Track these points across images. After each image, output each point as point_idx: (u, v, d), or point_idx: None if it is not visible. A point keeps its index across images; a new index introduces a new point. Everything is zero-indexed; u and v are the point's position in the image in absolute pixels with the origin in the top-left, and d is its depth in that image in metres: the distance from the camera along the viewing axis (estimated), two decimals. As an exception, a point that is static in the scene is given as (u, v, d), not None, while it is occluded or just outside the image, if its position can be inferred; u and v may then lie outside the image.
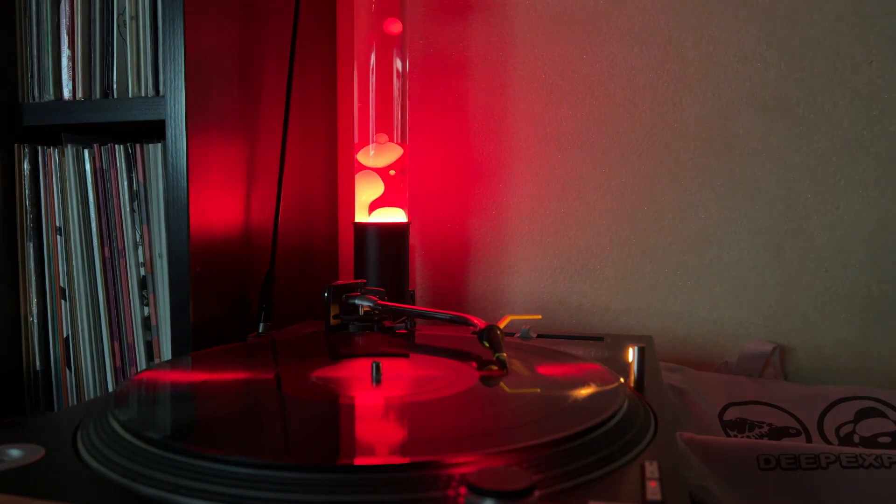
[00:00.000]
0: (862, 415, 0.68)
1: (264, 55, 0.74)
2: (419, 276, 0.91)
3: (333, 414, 0.40)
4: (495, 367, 0.48)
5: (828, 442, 0.66)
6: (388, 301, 0.66)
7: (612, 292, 0.85)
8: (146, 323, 0.66)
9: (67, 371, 0.69)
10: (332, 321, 0.64)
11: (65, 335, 0.69)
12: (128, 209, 0.66)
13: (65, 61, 0.68)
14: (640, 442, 0.36)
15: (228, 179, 0.69)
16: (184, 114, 0.62)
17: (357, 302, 0.65)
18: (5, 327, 0.69)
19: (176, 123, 0.62)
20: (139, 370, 0.66)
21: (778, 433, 0.67)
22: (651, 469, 0.32)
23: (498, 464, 0.30)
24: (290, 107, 0.73)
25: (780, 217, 0.79)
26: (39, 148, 0.69)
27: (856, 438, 0.66)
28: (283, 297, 0.76)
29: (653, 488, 0.29)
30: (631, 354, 0.48)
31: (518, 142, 0.87)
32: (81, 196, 0.67)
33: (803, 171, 0.78)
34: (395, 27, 0.75)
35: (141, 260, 0.66)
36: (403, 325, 0.66)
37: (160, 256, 0.65)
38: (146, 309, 0.66)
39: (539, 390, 0.44)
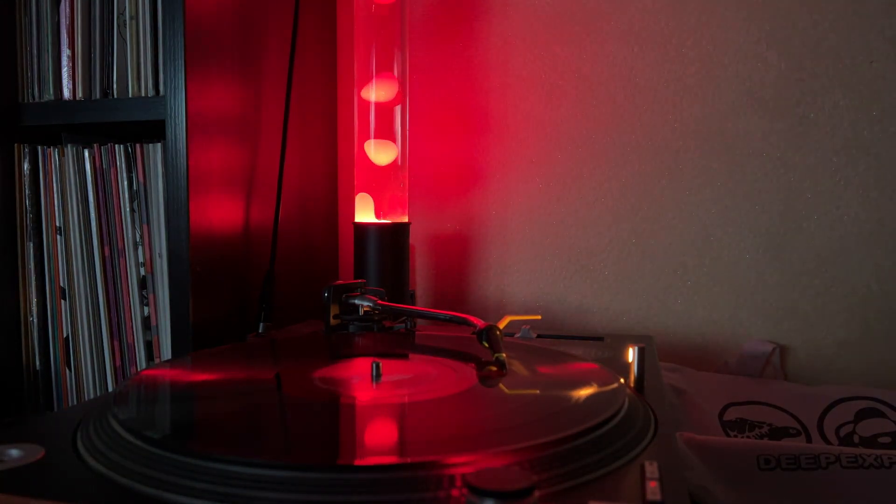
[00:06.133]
0: (862, 415, 0.68)
1: (264, 55, 0.74)
2: (419, 276, 0.91)
3: (333, 414, 0.40)
4: (494, 368, 0.48)
5: (828, 442, 0.66)
6: (388, 301, 0.66)
7: (612, 292, 0.85)
8: (146, 323, 0.66)
9: (67, 371, 0.69)
10: (332, 321, 0.64)
11: (65, 335, 0.69)
12: (128, 209, 0.66)
13: (65, 61, 0.68)
14: (640, 442, 0.36)
15: (228, 179, 0.69)
16: (184, 114, 0.62)
17: (357, 302, 0.65)
18: (5, 327, 0.69)
19: (176, 123, 0.62)
20: (139, 370, 0.66)
21: (778, 433, 0.67)
22: (651, 469, 0.31)
23: (498, 464, 0.30)
24: (290, 106, 0.73)
25: (780, 217, 0.79)
26: (39, 148, 0.69)
27: (856, 439, 0.66)
28: (283, 297, 0.76)
29: (653, 488, 0.29)
30: (631, 354, 0.48)
31: (518, 142, 0.87)
32: (81, 196, 0.67)
33: (803, 171, 0.78)
34: None
35: (141, 260, 0.66)
36: (403, 325, 0.66)
37: (160, 256, 0.65)
38: (146, 309, 0.66)
39: (539, 391, 0.44)
